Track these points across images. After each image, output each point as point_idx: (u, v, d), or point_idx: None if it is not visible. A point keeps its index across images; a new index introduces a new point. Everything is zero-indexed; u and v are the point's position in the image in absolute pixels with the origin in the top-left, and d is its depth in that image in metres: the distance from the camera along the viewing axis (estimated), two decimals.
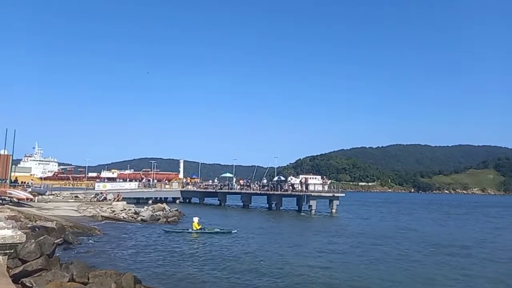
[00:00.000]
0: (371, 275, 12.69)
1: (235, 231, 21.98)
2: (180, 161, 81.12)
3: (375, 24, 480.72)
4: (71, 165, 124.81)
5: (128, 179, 64.47)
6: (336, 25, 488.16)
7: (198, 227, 21.17)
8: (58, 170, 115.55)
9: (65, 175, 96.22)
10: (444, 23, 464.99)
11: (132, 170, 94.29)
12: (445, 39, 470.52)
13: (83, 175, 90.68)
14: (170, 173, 73.42)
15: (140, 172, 77.56)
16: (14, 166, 44.05)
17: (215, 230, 21.76)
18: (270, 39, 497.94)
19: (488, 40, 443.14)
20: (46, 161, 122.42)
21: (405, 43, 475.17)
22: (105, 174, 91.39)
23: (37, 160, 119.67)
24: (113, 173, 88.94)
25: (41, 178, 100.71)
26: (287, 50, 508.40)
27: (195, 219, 21.74)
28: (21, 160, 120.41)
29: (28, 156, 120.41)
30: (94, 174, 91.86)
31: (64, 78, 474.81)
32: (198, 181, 59.57)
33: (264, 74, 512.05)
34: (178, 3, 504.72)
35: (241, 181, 49.53)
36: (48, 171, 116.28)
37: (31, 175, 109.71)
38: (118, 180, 65.22)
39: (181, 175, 72.48)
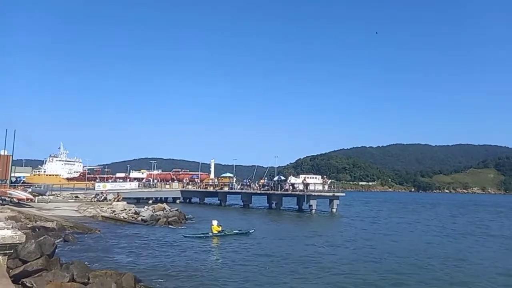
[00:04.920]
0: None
1: (253, 231, 22.13)
2: (211, 161, 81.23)
3: (372, 25, 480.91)
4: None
5: (156, 180, 64.16)
6: (334, 27, 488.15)
7: (218, 229, 20.61)
8: (84, 170, 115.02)
9: (92, 176, 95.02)
10: (443, 23, 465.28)
11: (160, 170, 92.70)
12: (444, 39, 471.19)
13: (111, 176, 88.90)
14: (202, 173, 72.80)
15: (171, 173, 76.96)
16: (13, 166, 44.14)
17: (234, 231, 21.48)
18: (269, 40, 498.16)
19: (487, 40, 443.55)
20: (72, 161, 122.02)
21: (404, 43, 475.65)
22: (134, 174, 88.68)
23: (62, 161, 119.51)
24: (142, 173, 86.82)
25: (68, 179, 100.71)
26: (287, 51, 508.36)
27: (214, 222, 20.97)
28: (45, 160, 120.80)
29: (54, 157, 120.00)
30: (122, 175, 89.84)
31: (67, 80, 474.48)
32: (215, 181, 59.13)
33: (264, 74, 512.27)
34: (178, 6, 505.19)
35: (262, 181, 48.22)
36: (74, 172, 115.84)
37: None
38: (146, 180, 64.79)
39: (212, 175, 72.15)
